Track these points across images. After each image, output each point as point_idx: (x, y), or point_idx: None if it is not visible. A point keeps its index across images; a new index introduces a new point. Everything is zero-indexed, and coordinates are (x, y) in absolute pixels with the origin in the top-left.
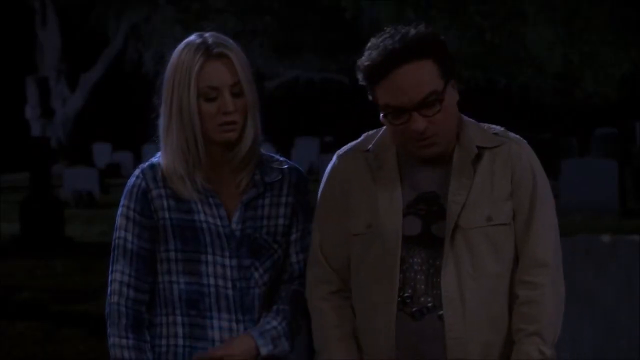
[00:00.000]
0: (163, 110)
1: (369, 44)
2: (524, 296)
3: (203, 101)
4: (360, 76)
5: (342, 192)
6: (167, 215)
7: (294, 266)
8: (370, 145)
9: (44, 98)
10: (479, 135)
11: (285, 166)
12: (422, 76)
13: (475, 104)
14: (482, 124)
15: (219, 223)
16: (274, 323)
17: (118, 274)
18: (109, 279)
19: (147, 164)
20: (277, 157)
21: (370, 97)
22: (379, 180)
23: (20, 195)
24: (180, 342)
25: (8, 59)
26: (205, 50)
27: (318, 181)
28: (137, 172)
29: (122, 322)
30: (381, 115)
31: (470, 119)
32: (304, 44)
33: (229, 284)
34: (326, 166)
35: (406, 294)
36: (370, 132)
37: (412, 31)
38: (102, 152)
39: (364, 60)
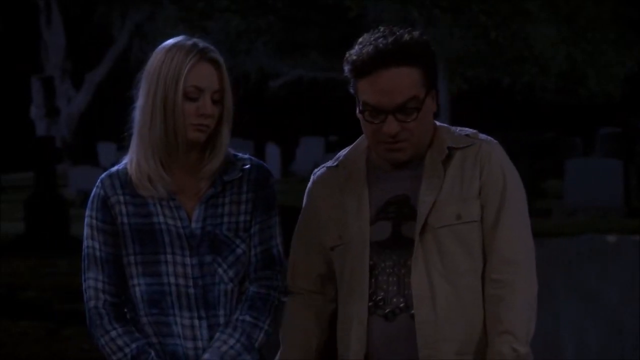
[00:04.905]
0: (144, 104)
1: (361, 39)
2: (493, 294)
3: (184, 99)
4: (346, 68)
5: (315, 210)
6: (125, 221)
7: (252, 259)
8: (337, 162)
9: (49, 97)
10: (450, 137)
11: (247, 165)
12: (405, 82)
13: (479, 103)
14: (454, 127)
15: (179, 224)
16: (231, 342)
17: (92, 281)
18: (83, 287)
19: (105, 173)
20: (242, 155)
21: (351, 90)
22: (346, 192)
23: (25, 194)
24: (154, 340)
25: (13, 59)
26: (199, 51)
27: None
28: (97, 182)
29: (104, 320)
30: (357, 110)
31: (443, 124)
32: (307, 43)
33: (190, 282)
34: None
35: (379, 297)
36: (342, 151)
37: (407, 36)
38: (107, 151)
39: (353, 54)
